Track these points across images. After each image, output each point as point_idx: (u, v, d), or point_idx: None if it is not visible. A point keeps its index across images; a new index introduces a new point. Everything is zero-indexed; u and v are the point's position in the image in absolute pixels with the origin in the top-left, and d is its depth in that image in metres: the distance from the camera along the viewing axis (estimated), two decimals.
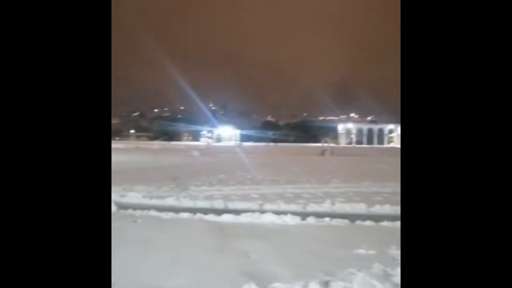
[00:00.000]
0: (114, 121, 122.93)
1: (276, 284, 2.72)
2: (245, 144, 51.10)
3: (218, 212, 5.57)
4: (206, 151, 30.84)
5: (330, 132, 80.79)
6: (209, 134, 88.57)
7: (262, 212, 5.48)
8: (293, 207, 6.13)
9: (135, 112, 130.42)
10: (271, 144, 61.15)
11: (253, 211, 5.63)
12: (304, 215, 5.30)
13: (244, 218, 5.13)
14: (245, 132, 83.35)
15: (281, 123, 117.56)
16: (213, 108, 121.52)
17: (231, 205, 6.27)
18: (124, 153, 25.60)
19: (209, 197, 6.89)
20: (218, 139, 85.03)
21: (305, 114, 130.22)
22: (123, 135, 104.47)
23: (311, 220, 5.09)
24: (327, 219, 5.14)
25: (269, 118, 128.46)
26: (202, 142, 72.69)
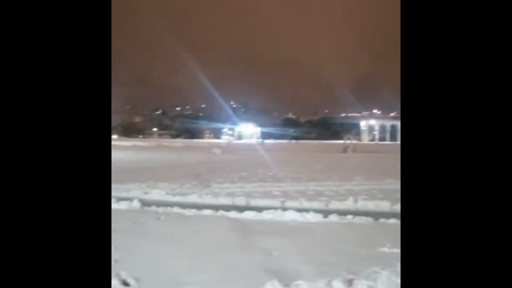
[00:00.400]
0: (137, 119, 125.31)
1: (299, 282, 2.71)
2: (267, 141, 50.82)
3: (240, 209, 5.59)
4: (227, 148, 31.02)
5: (352, 129, 79.60)
6: (230, 132, 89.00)
7: (284, 209, 5.47)
8: (315, 204, 6.09)
9: (157, 110, 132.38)
10: (293, 141, 60.86)
11: (275, 208, 5.62)
12: (326, 213, 5.25)
13: (266, 215, 5.14)
14: (266, 129, 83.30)
15: (302, 120, 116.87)
16: (234, 105, 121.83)
17: (253, 202, 6.29)
18: (147, 151, 26.06)
19: (231, 194, 6.92)
20: (239, 137, 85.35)
21: (326, 111, 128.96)
22: (146, 133, 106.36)
23: (333, 217, 5.04)
24: (349, 216, 5.08)
25: (290, 116, 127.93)
26: (223, 139, 73.14)
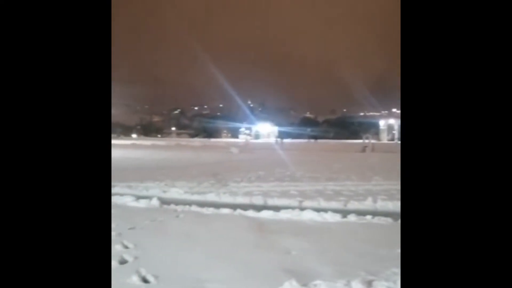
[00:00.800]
0: (155, 118, 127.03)
1: (317, 282, 2.69)
2: (286, 140, 50.36)
3: (258, 208, 5.59)
4: (244, 147, 31.10)
5: (371, 128, 78.54)
6: (248, 131, 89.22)
7: (302, 209, 5.45)
8: (334, 204, 6.03)
9: (176, 110, 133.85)
10: (312, 140, 60.50)
11: (292, 207, 5.60)
12: (345, 213, 5.20)
13: (283, 215, 5.12)
14: (283, 129, 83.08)
15: (320, 119, 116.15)
16: (252, 105, 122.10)
17: (271, 202, 6.28)
18: (165, 150, 26.39)
19: (249, 193, 6.93)
20: (257, 136, 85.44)
21: (344, 110, 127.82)
22: (165, 133, 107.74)
23: (352, 217, 4.98)
24: (368, 217, 5.01)
25: (308, 115, 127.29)
26: (241, 139, 73.34)
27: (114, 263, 3.13)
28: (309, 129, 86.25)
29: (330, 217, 4.98)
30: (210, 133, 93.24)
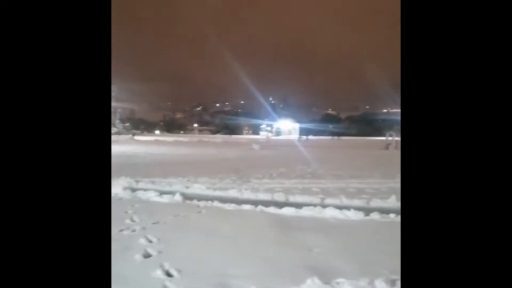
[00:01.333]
0: (178, 115, 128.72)
1: (340, 280, 2.67)
2: (311, 137, 49.55)
3: (279, 205, 5.58)
4: (266, 144, 31.09)
5: (394, 125, 76.87)
6: (269, 128, 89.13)
7: (324, 206, 5.40)
8: (356, 202, 5.95)
9: (198, 106, 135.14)
10: (336, 137, 59.85)
11: (314, 205, 5.56)
12: (367, 211, 5.12)
13: (305, 212, 5.10)
14: (305, 125, 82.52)
15: (342, 116, 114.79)
16: (273, 102, 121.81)
17: (292, 199, 6.25)
18: (188, 146, 26.70)
19: (270, 190, 6.93)
20: (278, 133, 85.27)
21: (367, 107, 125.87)
22: (187, 129, 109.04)
23: (375, 216, 4.91)
24: (392, 215, 4.92)
25: (330, 111, 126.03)
26: (262, 135, 73.32)
27: (138, 257, 3.20)
28: (331, 126, 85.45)
29: (353, 215, 4.92)
30: (231, 130, 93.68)
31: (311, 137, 49.35)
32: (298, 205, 5.48)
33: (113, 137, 43.07)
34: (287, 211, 5.14)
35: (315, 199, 6.12)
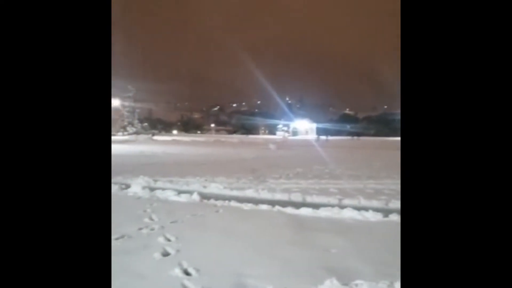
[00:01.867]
0: (195, 115, 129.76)
1: (358, 281, 2.64)
2: (332, 137, 48.64)
3: (296, 205, 5.56)
4: (282, 144, 31.02)
5: None
6: (285, 128, 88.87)
7: (342, 207, 5.36)
8: (375, 203, 5.88)
9: (215, 107, 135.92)
10: (355, 137, 59.23)
11: (332, 205, 5.52)
12: (386, 212, 5.06)
13: (323, 212, 5.06)
14: (322, 125, 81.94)
15: (360, 116, 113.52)
16: (290, 101, 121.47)
17: (309, 199, 6.22)
18: (205, 146, 26.88)
19: (287, 190, 6.91)
20: (294, 133, 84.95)
21: (385, 107, 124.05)
22: (204, 129, 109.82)
23: (394, 217, 4.83)
24: None
25: (348, 111, 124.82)
26: (278, 135, 73.19)
27: (157, 255, 3.24)
28: (348, 126, 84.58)
29: (371, 216, 4.86)
30: (248, 130, 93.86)
31: (330, 137, 48.58)
32: (316, 206, 5.45)
33: (131, 137, 43.78)
34: (305, 211, 5.12)
35: (333, 200, 6.07)
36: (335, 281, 2.58)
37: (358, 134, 66.90)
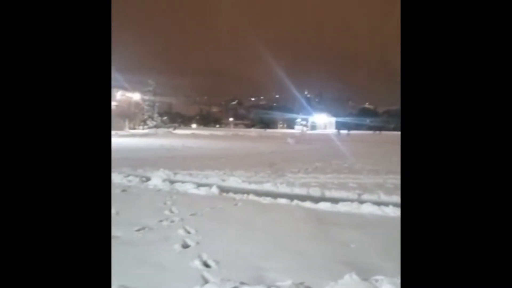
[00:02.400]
0: (214, 109, 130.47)
1: (379, 277, 2.61)
2: (353, 132, 47.58)
3: (315, 199, 5.54)
4: (301, 138, 30.88)
5: None
6: (304, 122, 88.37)
7: (361, 202, 5.30)
8: (395, 198, 5.79)
9: (233, 101, 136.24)
10: (377, 132, 58.35)
11: (351, 200, 5.48)
12: None
13: (342, 207, 5.03)
14: (341, 119, 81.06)
15: (380, 110, 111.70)
16: (308, 95, 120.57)
17: (328, 193, 6.19)
18: (223, 140, 27.01)
19: (306, 184, 6.89)
20: (313, 127, 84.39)
21: None
22: (222, 123, 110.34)
23: None
24: None
25: (367, 105, 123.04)
26: (297, 129, 72.87)
27: (177, 247, 3.29)
28: (368, 120, 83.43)
29: (391, 211, 4.80)
30: (266, 124, 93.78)
31: (351, 131, 47.60)
32: (335, 200, 5.42)
33: (151, 131, 44.38)
34: (323, 206, 5.10)
35: (352, 195, 6.02)
36: (354, 276, 2.56)
37: (380, 128, 65.81)
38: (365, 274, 2.66)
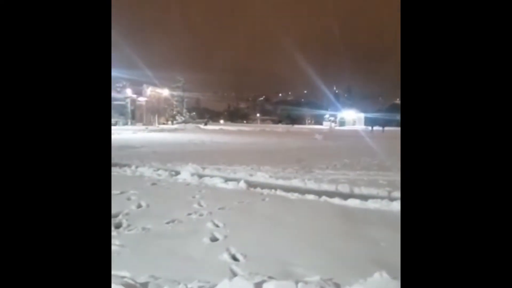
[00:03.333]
0: (241, 105, 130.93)
1: None
2: (388, 128, 45.91)
3: (344, 196, 5.46)
4: (329, 134, 30.53)
5: None
6: (332, 118, 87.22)
7: (392, 199, 5.19)
8: None
9: (260, 96, 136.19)
10: None
11: (381, 197, 5.36)
12: None
13: (371, 204, 4.93)
14: (370, 115, 79.42)
15: None
16: (337, 91, 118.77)
17: (357, 190, 6.09)
18: (251, 136, 27.10)
19: (334, 181, 6.80)
20: (341, 123, 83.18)
21: None
22: (250, 119, 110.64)
23: None
24: None
25: (397, 101, 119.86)
26: (325, 125, 72.09)
27: (206, 240, 3.34)
28: (398, 117, 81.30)
29: None
30: (293, 120, 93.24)
31: (386, 128, 46.07)
32: (364, 197, 5.32)
33: (180, 126, 45.13)
34: (352, 202, 5.02)
35: (382, 192, 5.90)
36: (385, 275, 2.51)
37: None
38: (395, 273, 2.59)
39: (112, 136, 19.06)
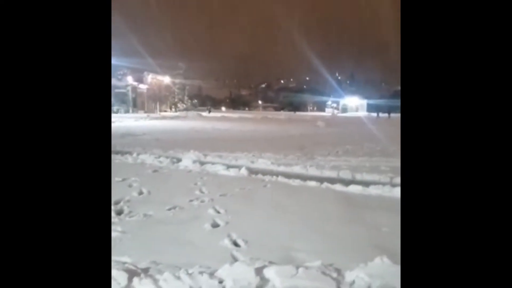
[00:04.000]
0: (243, 92, 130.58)
1: None
2: (395, 115, 45.19)
3: (346, 182, 5.45)
4: (331, 121, 30.42)
5: None
6: (334, 105, 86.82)
7: (393, 185, 5.17)
8: None
9: (262, 83, 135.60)
10: None
11: (383, 183, 5.35)
12: None
13: (373, 190, 4.93)
14: (373, 101, 78.94)
15: None
16: (339, 77, 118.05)
17: (359, 176, 6.07)
18: (253, 123, 27.04)
19: (336, 167, 6.79)
20: (344, 110, 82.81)
21: None
22: (252, 106, 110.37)
23: None
24: None
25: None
26: (327, 112, 71.83)
27: (207, 226, 3.34)
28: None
29: None
30: (296, 107, 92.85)
31: (393, 114, 45.34)
32: (366, 183, 5.31)
33: (181, 113, 45.09)
34: (354, 189, 5.01)
35: (384, 178, 5.88)
36: (385, 259, 2.51)
37: None
38: (396, 258, 2.59)
39: (114, 124, 19.06)
